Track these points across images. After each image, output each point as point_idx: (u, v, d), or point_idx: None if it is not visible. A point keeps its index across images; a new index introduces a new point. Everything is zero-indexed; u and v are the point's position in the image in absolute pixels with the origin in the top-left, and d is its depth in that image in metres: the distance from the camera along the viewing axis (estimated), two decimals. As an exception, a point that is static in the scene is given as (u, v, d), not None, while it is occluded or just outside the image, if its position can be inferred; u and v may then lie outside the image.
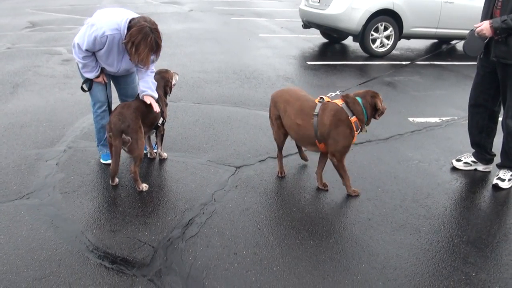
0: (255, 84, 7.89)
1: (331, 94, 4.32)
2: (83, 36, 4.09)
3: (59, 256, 3.40)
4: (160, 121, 4.57)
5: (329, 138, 4.04)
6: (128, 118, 4.07)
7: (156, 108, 4.31)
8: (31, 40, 11.29)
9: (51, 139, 5.42)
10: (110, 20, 4.00)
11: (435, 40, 12.39)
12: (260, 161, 4.95)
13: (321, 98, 4.20)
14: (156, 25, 4.02)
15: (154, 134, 4.82)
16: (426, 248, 3.62)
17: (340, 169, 4.21)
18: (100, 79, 4.43)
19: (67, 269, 3.27)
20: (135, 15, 4.09)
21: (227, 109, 6.57)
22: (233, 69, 8.95)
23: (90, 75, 4.37)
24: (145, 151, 4.85)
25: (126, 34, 3.94)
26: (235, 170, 4.73)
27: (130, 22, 3.96)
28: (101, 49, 4.15)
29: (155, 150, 4.94)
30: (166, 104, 4.70)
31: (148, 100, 4.31)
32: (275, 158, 4.95)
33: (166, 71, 4.68)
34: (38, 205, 4.07)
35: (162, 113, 4.56)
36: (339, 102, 4.08)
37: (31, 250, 3.45)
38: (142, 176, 4.54)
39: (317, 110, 4.08)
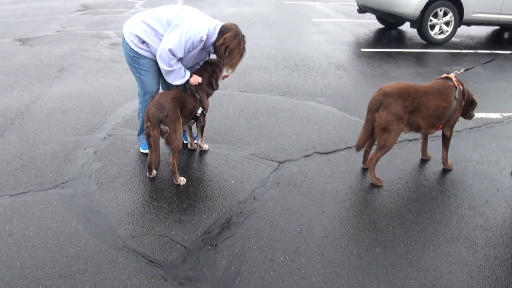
0: (305, 72, 7.55)
1: (456, 72, 4.37)
2: (178, 41, 3.92)
3: (87, 253, 3.22)
4: (200, 111, 4.32)
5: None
6: (166, 107, 3.86)
7: (196, 79, 4.22)
8: (81, 23, 11.31)
9: (92, 125, 5.29)
10: (204, 24, 4.01)
11: (497, 27, 11.61)
12: (305, 157, 4.64)
13: (447, 77, 4.31)
14: None
15: (195, 124, 4.58)
16: (481, 264, 3.22)
17: (449, 140, 4.42)
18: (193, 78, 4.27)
19: (94, 268, 3.09)
20: (215, 20, 4.19)
21: (274, 98, 6.27)
22: (283, 55, 8.63)
23: (181, 81, 4.16)
24: (185, 141, 4.64)
25: (219, 37, 4.06)
26: (278, 166, 4.45)
27: (222, 27, 4.08)
28: (189, 52, 4.08)
29: (196, 141, 4.71)
30: (208, 95, 4.44)
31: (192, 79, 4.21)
32: (321, 153, 4.65)
33: (215, 63, 4.40)
34: (71, 195, 3.92)
35: (202, 103, 4.31)
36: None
37: (60, 244, 3.30)
38: (181, 169, 4.33)
39: (457, 93, 4.19)
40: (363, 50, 9.25)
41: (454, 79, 4.22)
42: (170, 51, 3.92)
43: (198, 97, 4.26)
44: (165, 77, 4.16)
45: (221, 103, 5.97)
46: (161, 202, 3.85)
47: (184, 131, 4.48)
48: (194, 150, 4.74)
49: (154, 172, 4.21)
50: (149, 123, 3.87)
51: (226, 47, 4.04)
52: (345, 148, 4.79)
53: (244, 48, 4.17)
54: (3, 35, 9.93)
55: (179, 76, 4.13)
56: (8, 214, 3.65)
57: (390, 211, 3.80)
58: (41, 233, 3.42)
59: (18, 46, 8.99)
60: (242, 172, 4.32)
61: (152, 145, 3.90)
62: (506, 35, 11.46)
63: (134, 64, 4.26)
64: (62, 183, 4.12)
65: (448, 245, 3.41)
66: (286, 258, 3.21)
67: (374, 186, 4.15)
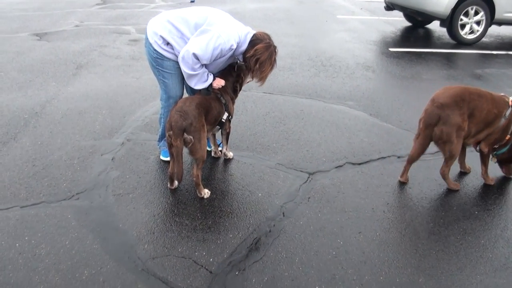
0: (332, 72, 7.20)
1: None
2: (205, 47, 3.62)
3: (103, 277, 2.95)
4: (225, 117, 4.01)
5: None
6: (190, 115, 3.56)
7: (219, 82, 3.93)
8: (100, 17, 11.07)
9: (110, 129, 5.01)
10: (234, 32, 3.75)
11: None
12: (336, 167, 4.31)
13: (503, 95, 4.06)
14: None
15: (219, 131, 4.27)
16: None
17: (487, 157, 4.13)
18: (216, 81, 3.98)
19: (110, 295, 2.80)
20: (246, 27, 3.93)
21: (300, 101, 5.94)
22: (308, 54, 8.28)
23: (203, 85, 3.87)
24: (209, 149, 4.35)
25: (249, 47, 3.79)
26: (308, 177, 4.12)
27: (253, 36, 3.82)
28: (216, 59, 3.80)
29: (220, 149, 4.41)
30: (233, 99, 4.14)
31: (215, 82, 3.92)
32: (354, 164, 4.32)
33: (240, 67, 4.10)
34: (87, 208, 3.65)
35: (227, 107, 4.00)
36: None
37: (73, 266, 3.02)
38: (204, 179, 4.04)
39: (508, 112, 3.93)
40: (391, 49, 8.87)
41: (510, 98, 4.00)
42: (195, 55, 3.62)
43: (223, 101, 3.96)
44: (186, 80, 3.87)
45: (245, 106, 5.66)
46: (184, 218, 3.55)
47: (207, 139, 4.17)
48: (218, 158, 4.43)
49: (176, 183, 3.92)
50: (171, 132, 3.57)
51: (257, 59, 3.77)
52: (378, 159, 4.46)
53: (275, 60, 3.91)
54: (20, 29, 9.71)
55: (201, 80, 3.84)
56: (18, 229, 3.38)
57: (431, 233, 3.47)
58: (53, 251, 3.15)
59: (35, 41, 8.76)
60: (269, 184, 4.01)
61: (175, 155, 3.60)
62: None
63: (157, 66, 3.95)
64: (77, 194, 3.85)
65: (496, 274, 3.07)
66: (322, 287, 2.90)
67: (413, 203, 3.84)
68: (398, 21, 11.46)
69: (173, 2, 13.41)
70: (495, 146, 4.08)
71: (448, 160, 3.91)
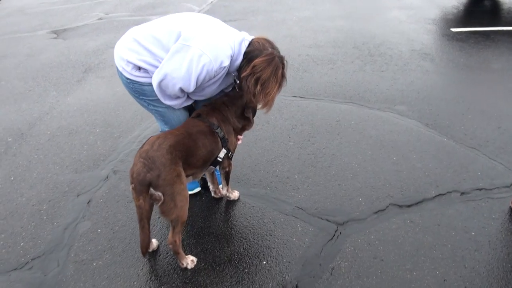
0: (381, 64, 5.97)
1: None
2: (187, 74, 2.60)
3: None
4: (222, 154, 2.96)
5: None
6: (158, 163, 2.52)
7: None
8: (128, 7, 10.20)
9: (97, 155, 4.11)
10: (224, 43, 2.66)
11: None
12: (376, 213, 3.18)
13: None
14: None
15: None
16: None
17: None
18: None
19: None
20: (240, 32, 2.82)
21: (337, 108, 4.79)
22: (354, 41, 7.04)
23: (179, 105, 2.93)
24: (195, 190, 3.38)
25: (244, 64, 2.73)
26: (335, 231, 3.03)
27: (249, 46, 2.74)
28: (204, 84, 2.78)
29: (220, 186, 3.39)
30: (237, 129, 3.06)
31: None
32: (400, 207, 3.18)
33: None
34: (37, 284, 2.75)
35: (226, 142, 2.94)
36: None
37: None
38: (194, 232, 3.03)
39: None
40: (453, 30, 7.45)
41: None
42: (180, 89, 2.66)
43: (220, 134, 2.90)
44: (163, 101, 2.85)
45: (268, 117, 4.57)
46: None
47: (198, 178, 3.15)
48: (220, 198, 3.41)
49: (154, 245, 2.95)
50: (133, 185, 2.56)
51: (257, 79, 2.68)
52: (435, 197, 3.30)
53: (283, 74, 2.77)
54: (39, 26, 9.01)
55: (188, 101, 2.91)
56: None
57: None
58: None
59: (51, 39, 8.00)
60: (280, 244, 2.95)
61: (138, 220, 2.60)
62: None
63: (140, 97, 2.92)
64: (32, 260, 2.97)
65: None
66: None
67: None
68: (461, -7, 9.90)
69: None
70: None
71: None
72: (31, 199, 3.58)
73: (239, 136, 3.10)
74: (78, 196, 3.57)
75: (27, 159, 4.15)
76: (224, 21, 2.85)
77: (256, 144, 4.11)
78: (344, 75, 5.66)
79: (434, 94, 5.00)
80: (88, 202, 3.48)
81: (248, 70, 2.67)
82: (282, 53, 2.79)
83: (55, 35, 8.24)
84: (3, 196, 3.65)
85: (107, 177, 3.79)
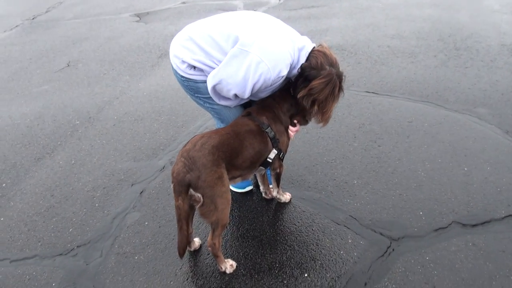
0: (465, 60, 5.52)
1: None
2: (243, 81, 2.50)
3: None
4: (273, 155, 2.81)
5: None
6: (198, 163, 2.42)
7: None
8: (212, -9, 10.17)
9: (158, 144, 4.11)
10: (284, 51, 2.51)
11: None
12: (436, 231, 2.90)
13: None
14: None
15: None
16: None
17: None
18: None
19: None
20: (302, 38, 2.65)
21: (412, 107, 4.47)
22: (440, 33, 6.57)
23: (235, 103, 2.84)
24: (243, 189, 3.26)
25: (301, 82, 2.60)
26: (388, 247, 2.80)
27: (306, 61, 2.60)
28: (260, 91, 2.67)
29: (271, 186, 3.24)
30: (287, 129, 2.89)
31: None
32: (464, 226, 2.89)
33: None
34: (79, 272, 2.79)
35: (277, 143, 2.78)
36: None
37: None
38: (239, 234, 2.92)
39: None
40: (554, 24, 6.78)
41: None
42: (234, 95, 2.61)
43: (271, 134, 2.74)
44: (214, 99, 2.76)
45: (335, 114, 4.33)
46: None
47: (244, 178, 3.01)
48: (271, 199, 3.27)
49: (197, 243, 2.87)
50: (173, 184, 2.48)
51: (314, 100, 2.60)
52: (504, 218, 2.96)
53: (341, 89, 2.65)
54: (124, 9, 9.21)
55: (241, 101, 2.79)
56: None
57: None
58: None
59: (132, 23, 8.14)
60: (326, 255, 2.77)
61: (177, 220, 2.51)
62: None
63: (195, 94, 2.84)
64: (77, 247, 3.00)
65: None
66: None
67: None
68: None
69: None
70: None
71: None
72: (87, 184, 3.62)
73: (292, 129, 2.91)
74: (132, 185, 3.56)
75: (90, 143, 4.20)
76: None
77: (318, 143, 3.92)
78: (424, 70, 5.29)
79: (522, 96, 4.55)
80: (141, 193, 3.46)
81: (305, 91, 2.56)
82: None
83: (137, 18, 8.38)
84: (62, 179, 3.71)
85: (163, 168, 3.75)
